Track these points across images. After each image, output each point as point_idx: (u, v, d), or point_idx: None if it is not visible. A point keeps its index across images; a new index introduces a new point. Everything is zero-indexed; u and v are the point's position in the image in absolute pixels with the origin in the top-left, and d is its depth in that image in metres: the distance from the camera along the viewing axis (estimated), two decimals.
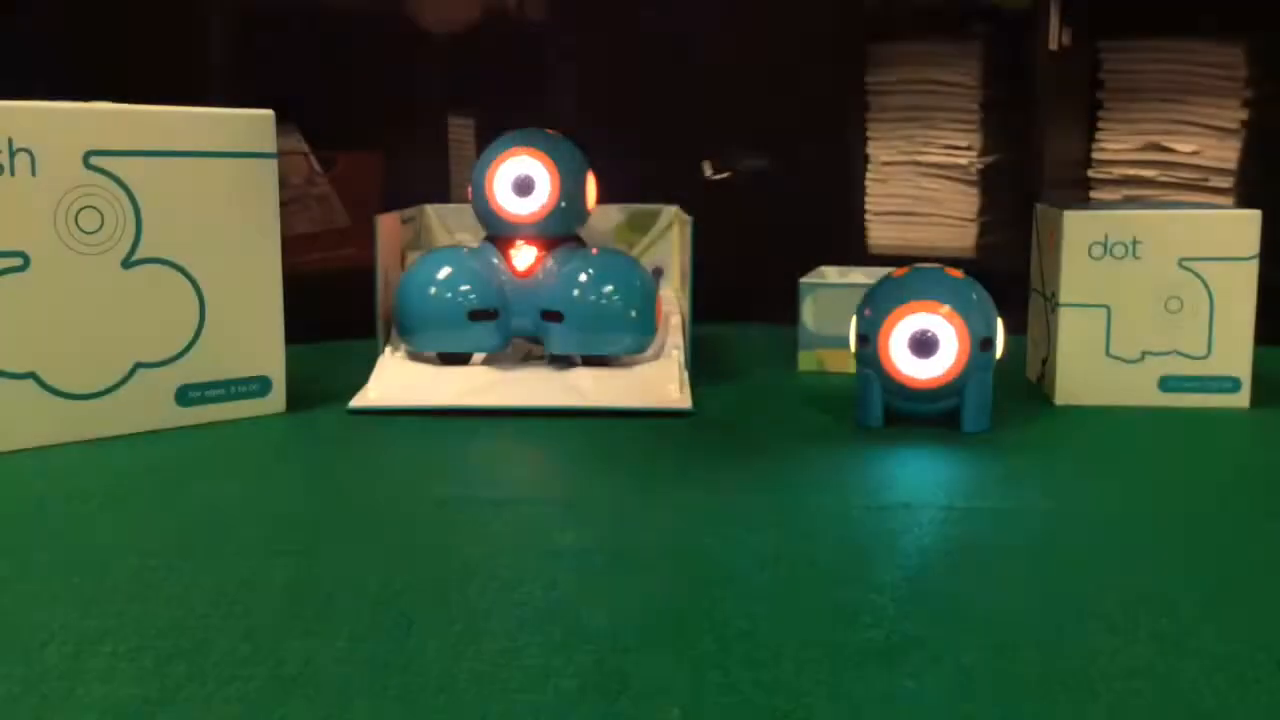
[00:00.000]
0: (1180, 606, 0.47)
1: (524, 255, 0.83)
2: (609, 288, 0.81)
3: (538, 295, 0.82)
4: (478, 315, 0.81)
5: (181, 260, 0.72)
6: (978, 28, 1.85)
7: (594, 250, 0.84)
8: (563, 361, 0.83)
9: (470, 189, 0.84)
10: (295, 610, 0.46)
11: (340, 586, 0.49)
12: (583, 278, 0.81)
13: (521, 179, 0.82)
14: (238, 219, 0.73)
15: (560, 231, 0.83)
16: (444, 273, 0.82)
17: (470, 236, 1.00)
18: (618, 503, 0.60)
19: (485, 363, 0.83)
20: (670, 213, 1.01)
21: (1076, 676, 0.41)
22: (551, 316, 0.81)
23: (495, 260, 0.83)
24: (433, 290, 0.82)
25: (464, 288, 0.82)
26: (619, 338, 0.82)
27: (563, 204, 0.82)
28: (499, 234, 0.84)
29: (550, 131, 0.85)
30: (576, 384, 0.80)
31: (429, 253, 0.85)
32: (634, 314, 0.81)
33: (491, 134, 0.86)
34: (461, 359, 0.84)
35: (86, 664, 0.42)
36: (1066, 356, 0.80)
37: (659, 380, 0.80)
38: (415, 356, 0.84)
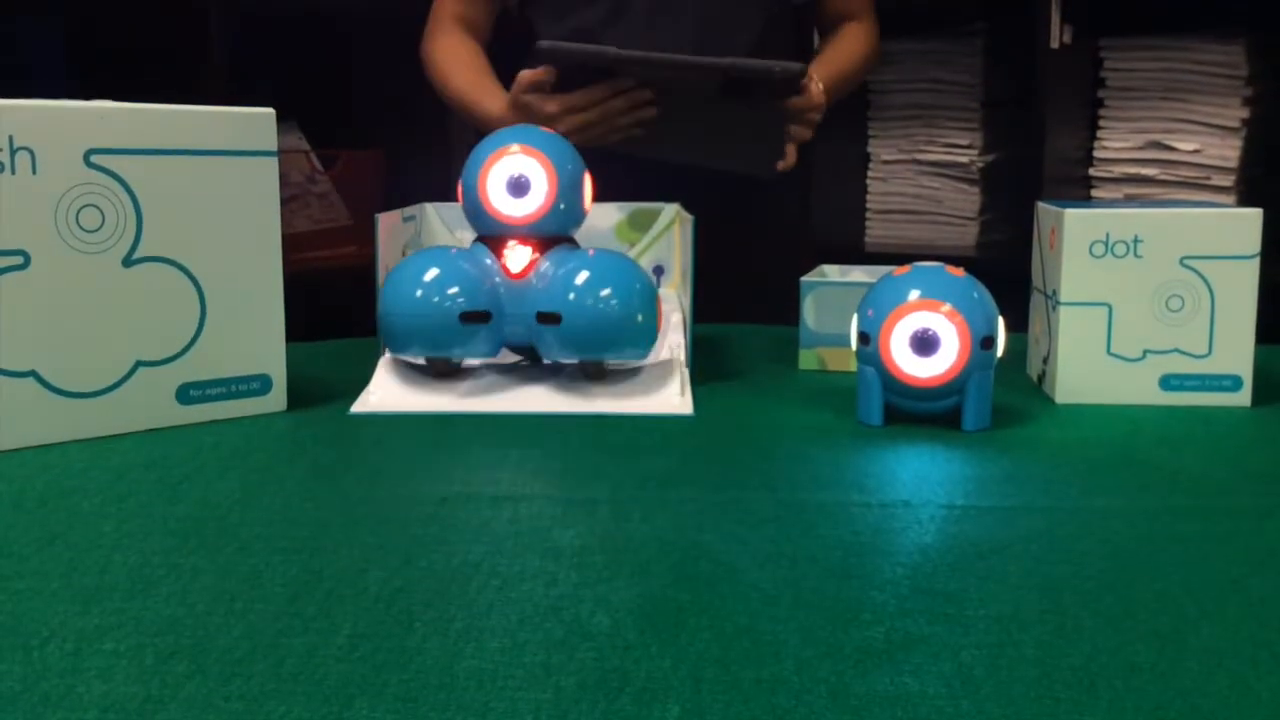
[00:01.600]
0: (1181, 604, 0.47)
1: (518, 256, 0.79)
2: (607, 290, 0.77)
3: (533, 297, 0.78)
4: (470, 317, 0.77)
5: (182, 259, 0.72)
6: (978, 26, 1.85)
7: (590, 251, 0.80)
8: (563, 364, 0.82)
9: (460, 188, 0.81)
10: (296, 608, 0.46)
11: (341, 584, 0.49)
12: (580, 279, 0.77)
13: (516, 179, 0.79)
14: (238, 217, 0.73)
15: (556, 232, 0.80)
16: (432, 274, 0.77)
17: (471, 235, 0.99)
18: (618, 500, 0.60)
19: (484, 366, 0.82)
20: (671, 211, 1.01)
21: (1077, 674, 0.41)
22: (548, 319, 0.77)
23: (488, 261, 0.79)
24: (419, 293, 0.77)
25: (452, 290, 0.77)
26: (618, 347, 0.78)
27: (560, 205, 0.79)
28: (491, 234, 0.80)
29: (546, 129, 0.83)
30: (578, 389, 0.79)
31: (414, 254, 0.81)
32: (638, 319, 0.77)
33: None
34: (451, 368, 0.81)
35: (87, 661, 0.42)
36: (1067, 355, 0.80)
37: (660, 385, 0.79)
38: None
